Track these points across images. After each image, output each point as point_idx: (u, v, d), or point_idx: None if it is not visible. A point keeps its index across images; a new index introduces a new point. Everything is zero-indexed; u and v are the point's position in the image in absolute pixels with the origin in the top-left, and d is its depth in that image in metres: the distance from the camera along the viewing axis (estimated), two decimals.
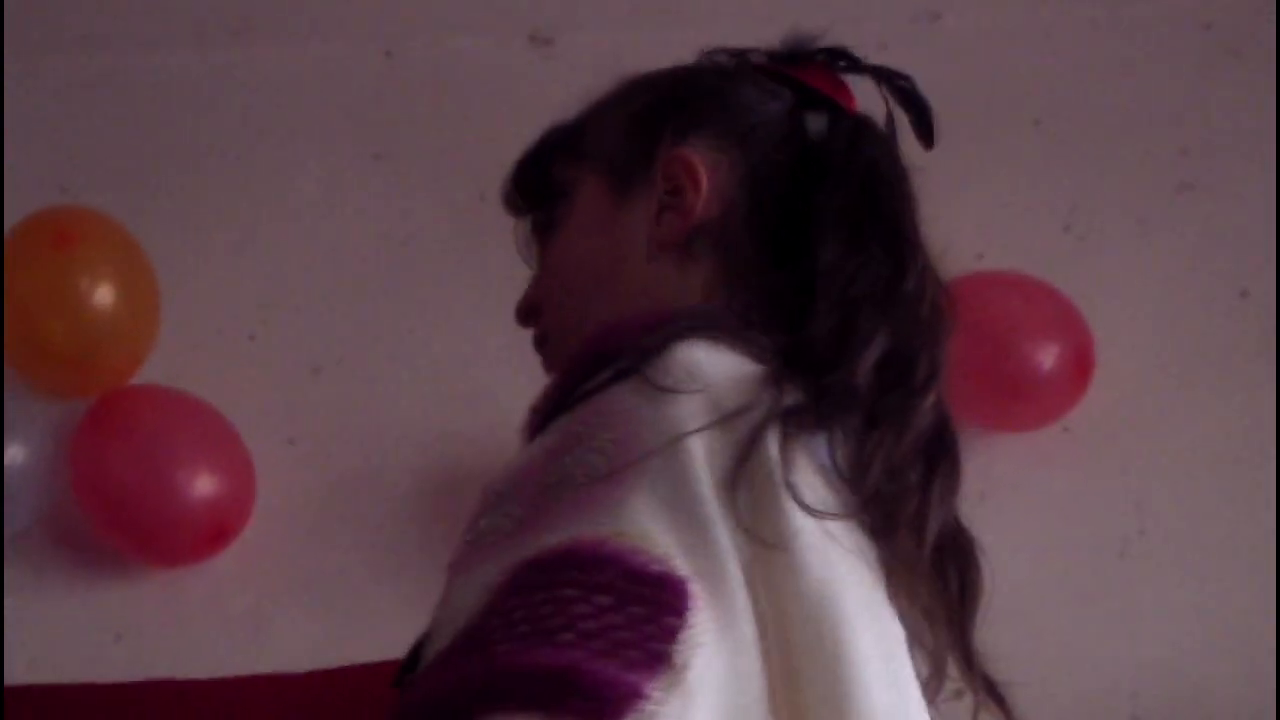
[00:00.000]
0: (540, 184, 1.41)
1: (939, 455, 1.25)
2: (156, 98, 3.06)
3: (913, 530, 1.22)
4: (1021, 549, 2.71)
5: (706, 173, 1.32)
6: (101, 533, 2.80)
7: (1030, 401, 2.86)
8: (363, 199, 3.03)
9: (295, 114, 3.07)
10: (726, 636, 1.07)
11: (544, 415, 1.22)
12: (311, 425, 2.93)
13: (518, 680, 1.01)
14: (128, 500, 2.75)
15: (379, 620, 2.66)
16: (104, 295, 2.76)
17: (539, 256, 1.42)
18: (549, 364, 1.38)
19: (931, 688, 1.22)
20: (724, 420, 1.13)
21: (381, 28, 3.08)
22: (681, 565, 1.07)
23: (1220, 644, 2.79)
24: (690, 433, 1.11)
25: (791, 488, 1.13)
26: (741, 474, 1.11)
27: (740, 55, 1.39)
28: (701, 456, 1.11)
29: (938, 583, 1.25)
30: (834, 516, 1.15)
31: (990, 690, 1.27)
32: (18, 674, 2.57)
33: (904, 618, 1.21)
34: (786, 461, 1.13)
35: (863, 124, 1.36)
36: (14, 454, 2.74)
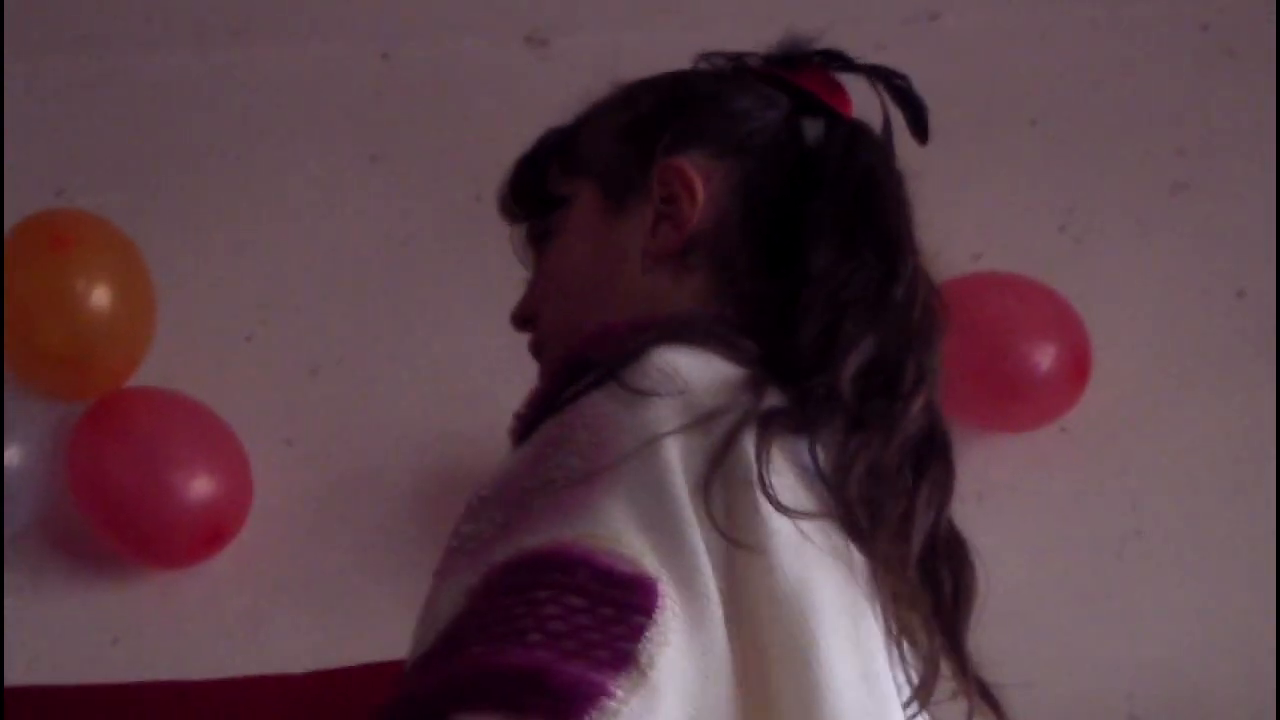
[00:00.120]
0: (536, 192, 1.41)
1: (929, 458, 1.25)
2: (154, 99, 3.06)
3: (899, 533, 1.22)
4: (1019, 549, 2.71)
5: (702, 183, 1.32)
6: (99, 534, 2.80)
7: (1027, 402, 2.86)
8: (360, 200, 3.03)
9: (293, 115, 3.07)
10: (696, 636, 1.08)
11: (530, 420, 1.23)
12: (309, 426, 2.93)
13: (487, 680, 1.02)
14: (125, 502, 2.75)
15: (377, 621, 2.66)
16: (101, 297, 2.76)
17: (535, 263, 1.42)
18: (544, 371, 1.38)
19: (925, 690, 1.22)
20: (700, 422, 1.14)
21: (379, 29, 3.08)
22: (652, 566, 1.08)
23: (1218, 644, 2.79)
24: (665, 434, 1.13)
25: (766, 489, 1.13)
26: (716, 475, 1.13)
27: (736, 59, 1.39)
28: (677, 458, 1.12)
29: (930, 585, 1.25)
30: (807, 516, 1.15)
31: (984, 693, 1.27)
32: (16, 675, 2.58)
33: (895, 620, 1.21)
34: (762, 463, 1.14)
35: (858, 130, 1.36)
36: (12, 456, 2.74)
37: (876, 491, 1.21)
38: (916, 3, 3.04)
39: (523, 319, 1.41)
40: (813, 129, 1.34)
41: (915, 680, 1.21)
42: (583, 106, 1.41)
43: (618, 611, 1.05)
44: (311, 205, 3.03)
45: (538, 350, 1.40)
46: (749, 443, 1.15)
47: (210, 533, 2.78)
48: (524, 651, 1.03)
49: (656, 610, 1.06)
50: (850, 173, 1.32)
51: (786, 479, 1.16)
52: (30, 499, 2.78)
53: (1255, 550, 2.83)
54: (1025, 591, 2.65)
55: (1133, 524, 2.87)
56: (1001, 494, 2.76)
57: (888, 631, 1.20)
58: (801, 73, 1.36)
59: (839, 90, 1.37)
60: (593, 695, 1.02)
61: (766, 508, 1.13)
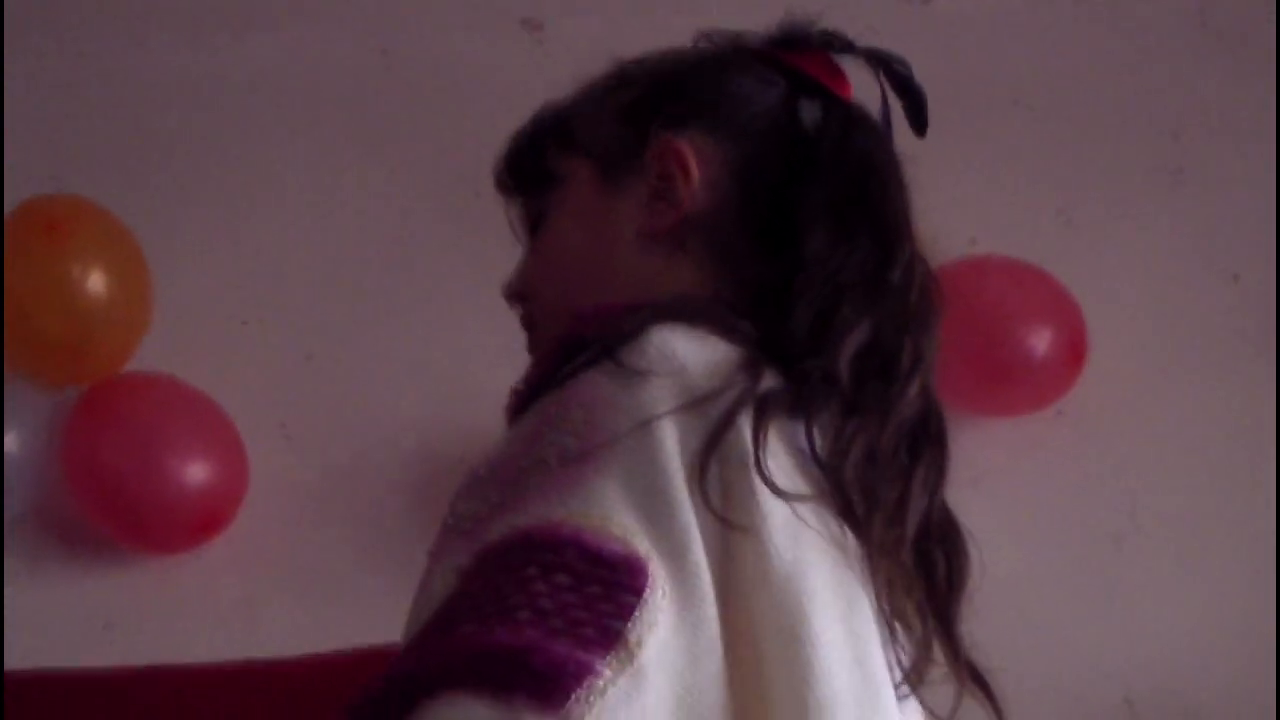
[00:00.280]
0: (532, 169, 1.41)
1: (924, 442, 1.25)
2: (148, 87, 3.06)
3: (894, 517, 1.22)
4: (1014, 534, 2.72)
5: (698, 162, 1.31)
6: (94, 520, 2.80)
7: (1023, 386, 2.86)
8: (356, 189, 3.03)
9: (289, 105, 3.06)
10: (686, 616, 1.08)
11: (525, 398, 1.23)
12: (304, 413, 2.93)
13: (473, 659, 1.03)
14: (121, 487, 2.75)
15: (371, 607, 2.66)
16: (96, 283, 2.75)
17: (529, 240, 1.42)
18: (535, 347, 1.38)
19: (916, 674, 1.22)
20: (696, 403, 1.14)
21: (376, 22, 3.08)
22: (642, 546, 1.08)
23: (1213, 630, 2.80)
24: (661, 415, 1.13)
25: (762, 471, 1.13)
26: (712, 457, 1.12)
27: (736, 39, 1.39)
28: (672, 439, 1.12)
29: (923, 570, 1.25)
30: (803, 499, 1.15)
31: (975, 677, 1.27)
32: (11, 660, 2.57)
33: (888, 604, 1.21)
34: (759, 445, 1.14)
35: (856, 113, 1.35)
36: (7, 442, 2.74)
37: (872, 476, 1.21)
38: None
39: (514, 293, 1.41)
40: (810, 111, 1.33)
41: (906, 664, 1.21)
42: (580, 84, 1.40)
43: (605, 590, 1.05)
44: (308, 194, 3.03)
45: (530, 326, 1.39)
46: (745, 425, 1.14)
47: (205, 519, 2.78)
48: (511, 630, 1.03)
49: (646, 590, 1.06)
50: (847, 156, 1.31)
51: (782, 462, 1.16)
52: (26, 485, 2.78)
53: (1250, 536, 2.83)
54: (1019, 577, 2.65)
55: (1128, 508, 2.87)
56: (996, 479, 2.76)
57: (880, 615, 1.20)
58: (801, 54, 1.36)
59: (838, 73, 1.36)
60: (579, 674, 1.02)
61: (762, 490, 1.13)
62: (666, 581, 1.08)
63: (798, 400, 1.19)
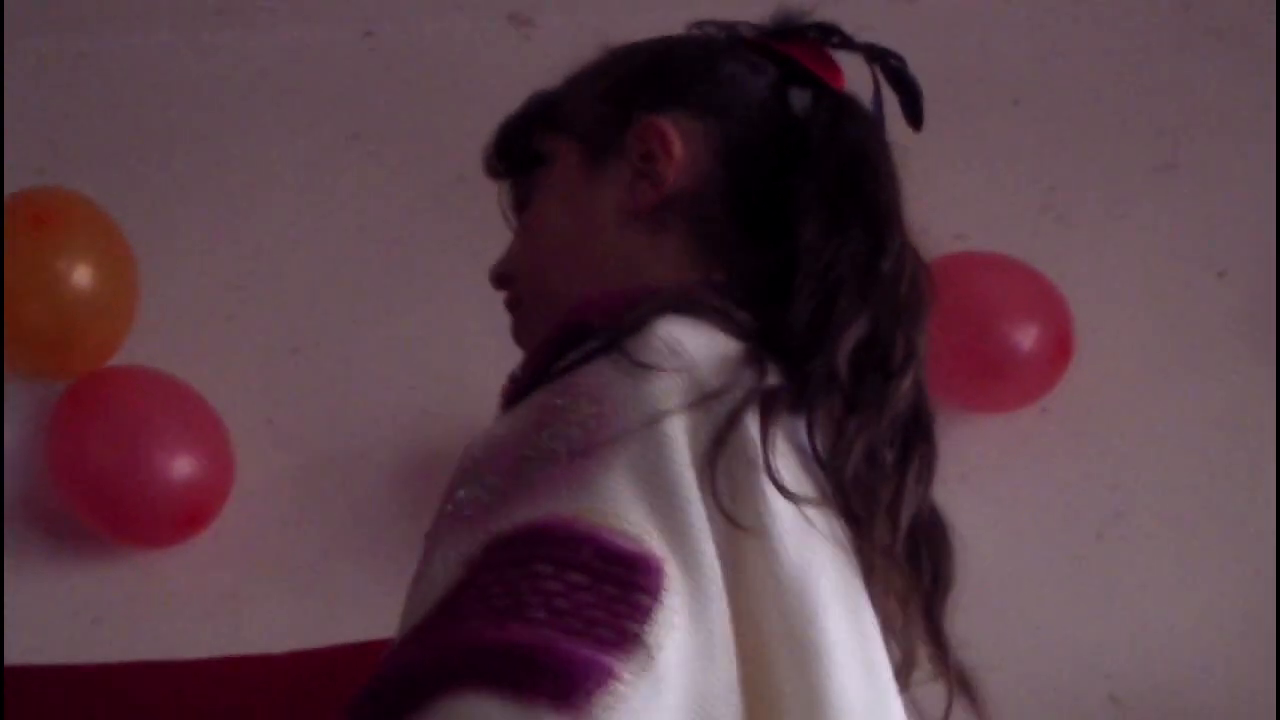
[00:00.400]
0: (520, 151, 1.41)
1: (915, 439, 1.24)
2: (135, 80, 3.05)
3: (888, 515, 1.21)
4: (1000, 530, 2.72)
5: (681, 142, 1.31)
6: (80, 515, 2.79)
7: (1009, 382, 2.86)
8: (342, 179, 3.03)
9: (274, 94, 3.06)
10: (699, 618, 1.06)
11: (523, 385, 1.22)
12: (290, 406, 2.93)
13: (488, 656, 1.00)
14: (107, 482, 2.74)
15: (358, 601, 2.67)
16: (82, 276, 2.75)
17: (517, 222, 1.42)
18: (518, 328, 1.38)
19: (903, 675, 1.22)
20: (704, 400, 1.13)
21: (361, 8, 3.07)
22: (656, 545, 1.06)
23: (1198, 625, 2.80)
24: (670, 411, 1.11)
25: (772, 472, 1.12)
26: (720, 455, 1.11)
27: (729, 28, 1.39)
28: (681, 436, 1.11)
29: (912, 569, 1.24)
30: (813, 503, 1.14)
31: (961, 679, 1.26)
32: None
33: (877, 604, 1.20)
34: (767, 445, 1.13)
35: (847, 102, 1.35)
36: None
37: (872, 476, 1.20)
38: None
39: (501, 276, 1.40)
40: (800, 99, 1.33)
41: (894, 663, 1.21)
42: (570, 71, 1.40)
43: (621, 590, 1.04)
44: (293, 185, 3.02)
45: (514, 306, 1.39)
46: (752, 423, 1.13)
47: (192, 513, 2.77)
48: (525, 627, 1.01)
49: (662, 591, 1.05)
50: (838, 144, 1.31)
51: (788, 461, 1.15)
52: (11, 479, 2.77)
53: (1239, 532, 2.84)
54: (1005, 573, 2.65)
55: (1114, 504, 2.87)
56: (983, 475, 2.77)
57: (879, 617, 1.20)
58: (793, 43, 1.36)
59: (830, 63, 1.36)
60: (600, 677, 1.01)
61: (770, 491, 1.12)
62: (680, 582, 1.06)
63: (800, 397, 1.18)
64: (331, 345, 2.95)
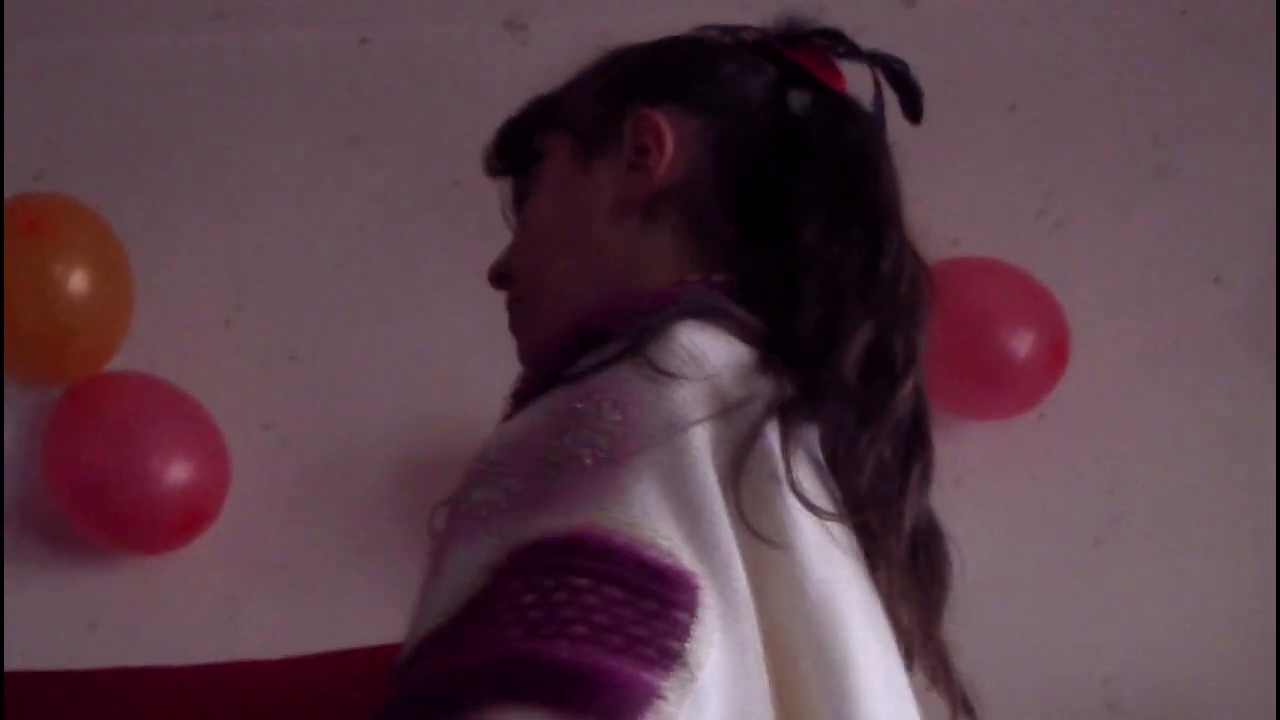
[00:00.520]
0: (518, 149, 1.41)
1: (915, 445, 1.24)
2: (132, 84, 3.05)
3: (891, 524, 1.21)
4: (997, 536, 2.72)
5: (674, 135, 1.31)
6: (77, 520, 2.79)
7: (1005, 388, 2.86)
8: (339, 184, 3.03)
9: (271, 99, 3.06)
10: (732, 634, 1.05)
11: (536, 386, 1.20)
12: (287, 412, 2.93)
13: (531, 672, 0.99)
14: (102, 487, 2.74)
15: (356, 605, 2.67)
16: (78, 282, 2.75)
17: (516, 220, 1.42)
18: (517, 324, 1.38)
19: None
20: (726, 410, 1.12)
21: (357, 13, 3.07)
22: (689, 559, 1.05)
23: (1194, 630, 2.80)
24: (694, 421, 1.10)
25: (795, 485, 1.11)
26: (743, 468, 1.10)
27: (732, 32, 1.39)
28: (705, 446, 1.10)
29: (912, 578, 1.24)
30: (835, 517, 1.14)
31: (959, 691, 1.26)
32: None
33: (890, 615, 1.20)
34: (789, 458, 1.12)
35: (847, 102, 1.35)
36: None
37: (883, 487, 1.20)
38: None
39: (499, 274, 1.40)
40: (799, 100, 1.33)
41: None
42: (569, 74, 1.41)
43: (659, 606, 1.02)
44: (290, 190, 3.02)
45: (514, 304, 1.39)
46: (773, 436, 1.13)
47: (188, 518, 2.77)
48: (568, 644, 0.99)
49: (699, 607, 1.03)
50: (838, 143, 1.31)
51: (806, 473, 1.14)
52: (8, 484, 2.77)
53: (1233, 535, 2.84)
54: (1003, 578, 2.65)
55: (1110, 510, 2.87)
56: (979, 481, 2.76)
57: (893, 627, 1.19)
58: (796, 47, 1.36)
59: (832, 66, 1.36)
60: (645, 696, 0.99)
61: (793, 504, 1.11)
62: (714, 597, 1.05)
63: (814, 408, 1.17)
64: (328, 350, 2.95)
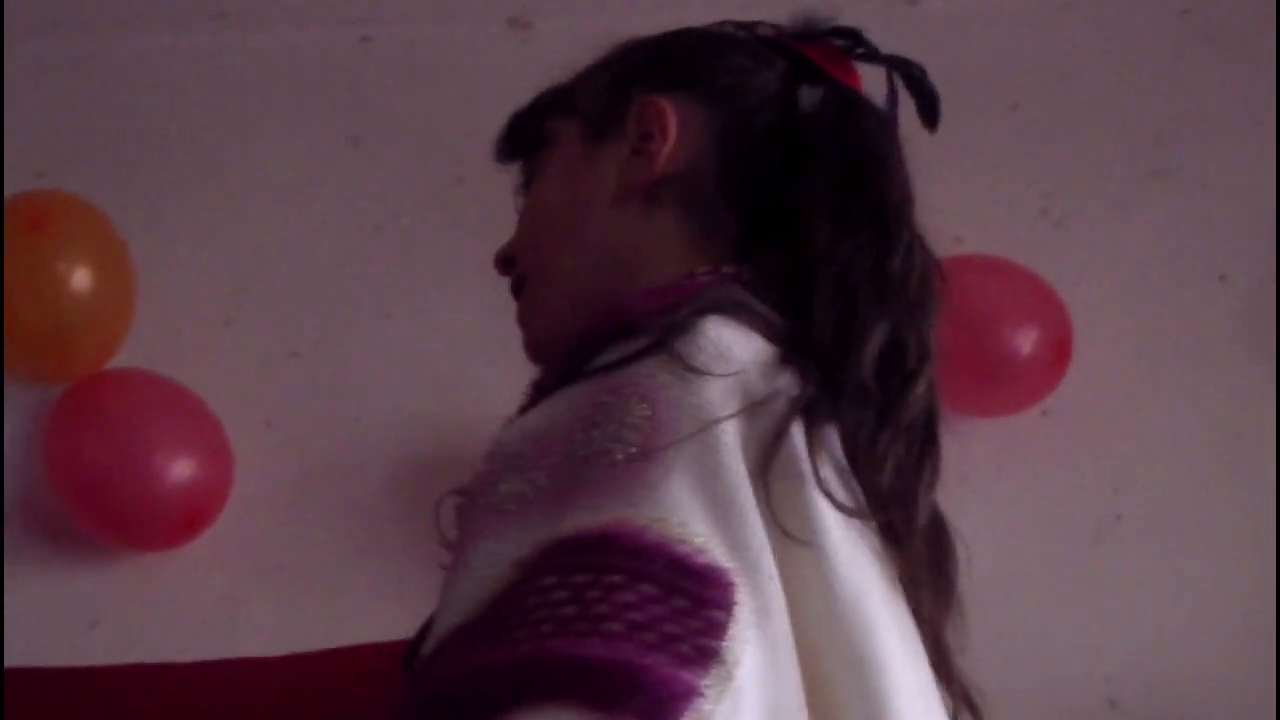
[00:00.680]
0: (527, 135, 1.41)
1: (927, 442, 1.23)
2: (133, 82, 3.05)
3: (911, 522, 1.20)
4: (1000, 533, 2.71)
5: (679, 123, 1.31)
6: (78, 518, 2.79)
7: (1009, 386, 2.86)
8: (340, 183, 3.03)
9: (272, 98, 3.06)
10: (765, 631, 1.04)
11: (558, 379, 1.19)
12: (289, 409, 2.93)
13: (566, 670, 0.98)
14: (105, 485, 2.74)
15: (356, 605, 2.67)
16: (80, 279, 2.75)
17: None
18: (523, 311, 1.37)
19: None
20: (753, 407, 1.11)
21: (358, 11, 3.07)
22: (722, 557, 1.04)
23: (1196, 628, 2.80)
24: (723, 418, 1.09)
25: (822, 483, 1.11)
26: (771, 466, 1.10)
27: (748, 28, 1.39)
28: (735, 444, 1.09)
29: (926, 576, 1.23)
30: (862, 515, 1.14)
31: (964, 693, 1.25)
32: None
33: (916, 615, 1.20)
34: (815, 456, 1.12)
35: (857, 98, 1.35)
36: None
37: (901, 485, 1.20)
38: None
39: (504, 259, 1.40)
40: (810, 96, 1.33)
41: None
42: (579, 67, 1.41)
43: (693, 604, 1.02)
44: (291, 188, 3.02)
45: (518, 290, 1.38)
46: (798, 434, 1.12)
47: (190, 516, 2.77)
48: (604, 642, 0.98)
49: (734, 605, 1.03)
50: (846, 137, 1.31)
51: (830, 472, 1.14)
52: (9, 482, 2.77)
53: (1235, 534, 2.84)
54: (1005, 575, 2.65)
55: (1113, 508, 2.87)
56: (982, 478, 2.76)
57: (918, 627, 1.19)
58: (810, 45, 1.36)
59: (846, 64, 1.36)
60: (685, 695, 0.98)
61: (821, 503, 1.11)
62: (747, 594, 1.04)
63: (833, 407, 1.17)
64: (330, 348, 2.95)
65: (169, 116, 3.03)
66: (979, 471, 2.75)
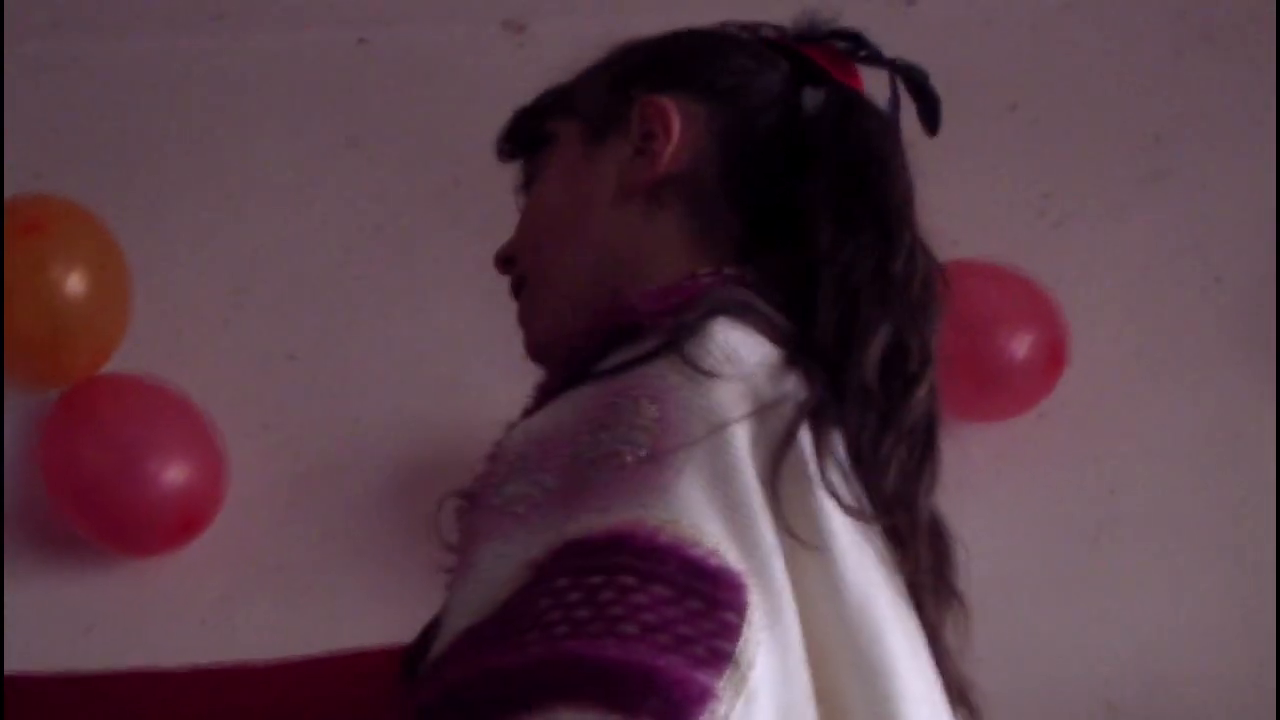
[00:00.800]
0: (528, 134, 1.41)
1: (928, 446, 1.23)
2: (129, 85, 3.05)
3: (915, 525, 1.21)
4: (997, 537, 2.71)
5: (681, 123, 1.31)
6: (74, 522, 2.78)
7: (1005, 389, 2.86)
8: (337, 185, 3.02)
9: (269, 100, 3.06)
10: (775, 633, 1.04)
11: (563, 381, 1.19)
12: (286, 413, 2.92)
13: (581, 672, 0.98)
14: (99, 490, 2.74)
15: (353, 608, 2.67)
16: (76, 283, 2.74)
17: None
18: (523, 310, 1.37)
19: None
20: (761, 410, 1.11)
21: (355, 13, 3.07)
22: (733, 558, 1.04)
23: (1194, 630, 2.80)
24: (733, 421, 1.09)
25: (830, 487, 1.11)
26: (780, 469, 1.09)
27: (751, 29, 1.39)
28: (745, 446, 1.09)
29: (928, 579, 1.23)
30: (869, 518, 1.14)
31: (958, 689, 1.25)
32: None
33: (922, 619, 1.20)
34: (822, 460, 1.12)
35: (859, 99, 1.35)
36: None
37: (905, 489, 1.20)
38: None
39: (503, 258, 1.39)
40: (813, 98, 1.33)
41: None
42: (579, 68, 1.41)
43: (706, 606, 1.01)
44: (288, 190, 3.02)
45: (517, 290, 1.38)
46: (805, 438, 1.12)
47: (186, 520, 2.76)
48: (618, 643, 0.98)
49: (747, 607, 1.03)
50: (848, 139, 1.30)
51: (837, 476, 1.14)
52: (5, 487, 2.77)
53: (1232, 536, 2.84)
54: (1003, 578, 2.64)
55: (1110, 510, 2.87)
56: (979, 481, 2.76)
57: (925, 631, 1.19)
58: (813, 46, 1.36)
59: (849, 67, 1.36)
60: (700, 697, 0.98)
61: (828, 506, 1.11)
62: (759, 596, 1.04)
63: (840, 411, 1.17)
64: (327, 351, 2.95)
65: (167, 117, 3.03)
66: (975, 474, 2.75)
